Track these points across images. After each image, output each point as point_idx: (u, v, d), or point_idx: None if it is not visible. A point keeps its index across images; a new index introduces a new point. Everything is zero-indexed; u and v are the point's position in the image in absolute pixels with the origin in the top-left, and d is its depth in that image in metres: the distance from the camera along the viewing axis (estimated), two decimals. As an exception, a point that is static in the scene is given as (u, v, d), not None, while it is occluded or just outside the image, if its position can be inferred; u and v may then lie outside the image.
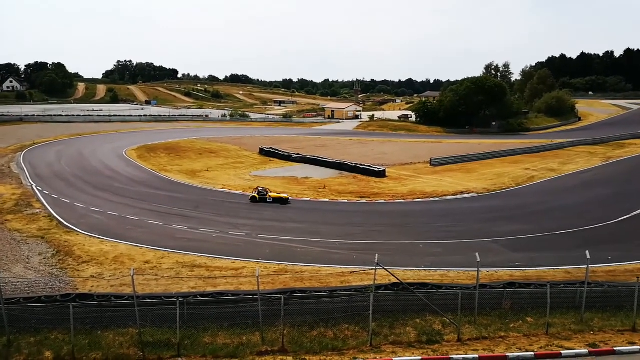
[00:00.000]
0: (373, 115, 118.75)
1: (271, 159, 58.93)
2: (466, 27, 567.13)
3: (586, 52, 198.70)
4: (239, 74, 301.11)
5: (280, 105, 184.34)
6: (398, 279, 18.44)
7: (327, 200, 38.70)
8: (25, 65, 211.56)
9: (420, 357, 15.73)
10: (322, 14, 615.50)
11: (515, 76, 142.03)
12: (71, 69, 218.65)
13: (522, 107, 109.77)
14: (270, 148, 62.13)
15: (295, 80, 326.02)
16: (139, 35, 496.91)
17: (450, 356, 15.86)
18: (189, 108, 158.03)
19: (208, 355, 15.65)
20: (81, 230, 28.83)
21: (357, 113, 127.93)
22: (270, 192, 37.55)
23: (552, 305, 17.66)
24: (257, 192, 37.16)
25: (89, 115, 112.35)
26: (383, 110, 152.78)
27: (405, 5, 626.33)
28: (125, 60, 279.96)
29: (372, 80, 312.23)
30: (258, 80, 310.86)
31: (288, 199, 37.25)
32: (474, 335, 17.25)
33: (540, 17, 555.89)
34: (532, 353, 16.16)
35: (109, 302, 17.18)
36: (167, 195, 39.42)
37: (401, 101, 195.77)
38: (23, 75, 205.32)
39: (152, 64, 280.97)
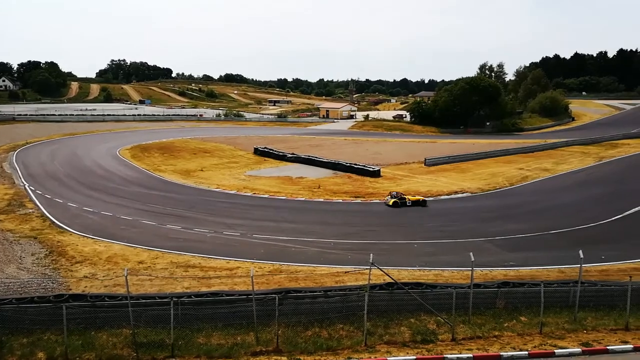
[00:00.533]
0: (368, 115, 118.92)
1: (266, 158, 58.86)
2: (461, 28, 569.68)
3: (580, 52, 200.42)
4: (234, 74, 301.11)
5: (274, 105, 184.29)
6: (392, 279, 18.46)
7: (322, 200, 38.71)
8: (18, 64, 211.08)
9: (414, 357, 15.74)
10: (317, 14, 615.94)
11: (509, 76, 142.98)
12: (64, 68, 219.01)
13: (516, 107, 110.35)
14: (265, 148, 62.03)
15: (290, 79, 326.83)
16: (133, 34, 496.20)
17: (445, 355, 15.88)
18: (183, 107, 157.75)
19: (202, 355, 15.59)
20: (74, 231, 28.65)
21: (352, 113, 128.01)
22: (405, 195, 37.34)
23: (546, 305, 17.75)
24: (393, 197, 36.69)
25: (82, 115, 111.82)
26: (378, 110, 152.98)
27: (400, 6, 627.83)
28: (119, 60, 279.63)
29: (367, 80, 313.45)
30: (253, 79, 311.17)
31: (425, 200, 37.35)
32: (468, 334, 17.29)
33: (535, 17, 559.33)
34: (526, 352, 16.21)
35: (103, 303, 17.08)
36: (161, 195, 39.27)
37: (396, 101, 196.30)
38: (16, 74, 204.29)
39: (146, 63, 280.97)
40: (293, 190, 41.38)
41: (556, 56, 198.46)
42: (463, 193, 41.73)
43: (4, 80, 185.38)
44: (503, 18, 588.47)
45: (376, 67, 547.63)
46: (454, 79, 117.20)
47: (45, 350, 15.48)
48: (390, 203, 36.40)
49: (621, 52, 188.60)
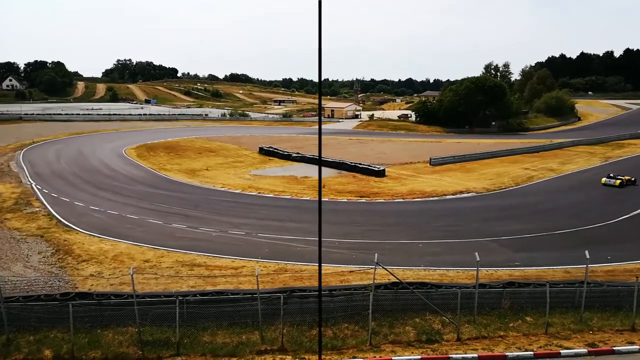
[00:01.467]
0: (373, 115, 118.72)
1: (271, 158, 58.92)
2: (466, 27, 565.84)
3: (586, 52, 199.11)
4: (239, 73, 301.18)
5: (279, 105, 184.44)
6: (397, 278, 18.44)
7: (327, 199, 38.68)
8: (25, 64, 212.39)
9: (419, 357, 15.74)
10: (322, 13, 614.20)
11: (515, 76, 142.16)
12: (71, 67, 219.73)
13: (521, 107, 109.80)
14: (270, 147, 62.10)
15: (294, 79, 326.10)
16: (139, 34, 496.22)
17: (450, 355, 15.87)
18: (189, 107, 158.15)
19: (207, 354, 15.66)
20: (81, 229, 28.83)
21: (357, 112, 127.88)
22: (620, 176, 43.52)
23: (552, 305, 17.67)
24: (614, 178, 43.01)
25: (89, 114, 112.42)
26: (383, 109, 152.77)
27: (406, 5, 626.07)
28: (124, 59, 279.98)
29: (372, 79, 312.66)
30: (258, 79, 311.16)
31: (635, 180, 43.12)
32: (474, 334, 17.26)
33: (540, 16, 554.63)
34: (532, 352, 16.17)
35: (109, 301, 17.19)
36: (167, 194, 39.41)
37: (401, 101, 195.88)
38: (22, 74, 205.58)
39: (151, 62, 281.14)
40: (298, 190, 41.42)
41: (562, 56, 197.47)
42: (468, 193, 41.62)
43: (10, 80, 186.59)
44: (505, 18, 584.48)
45: (381, 66, 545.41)
46: (460, 78, 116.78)
47: (52, 348, 15.60)
48: (617, 184, 42.21)
49: (628, 51, 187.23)
